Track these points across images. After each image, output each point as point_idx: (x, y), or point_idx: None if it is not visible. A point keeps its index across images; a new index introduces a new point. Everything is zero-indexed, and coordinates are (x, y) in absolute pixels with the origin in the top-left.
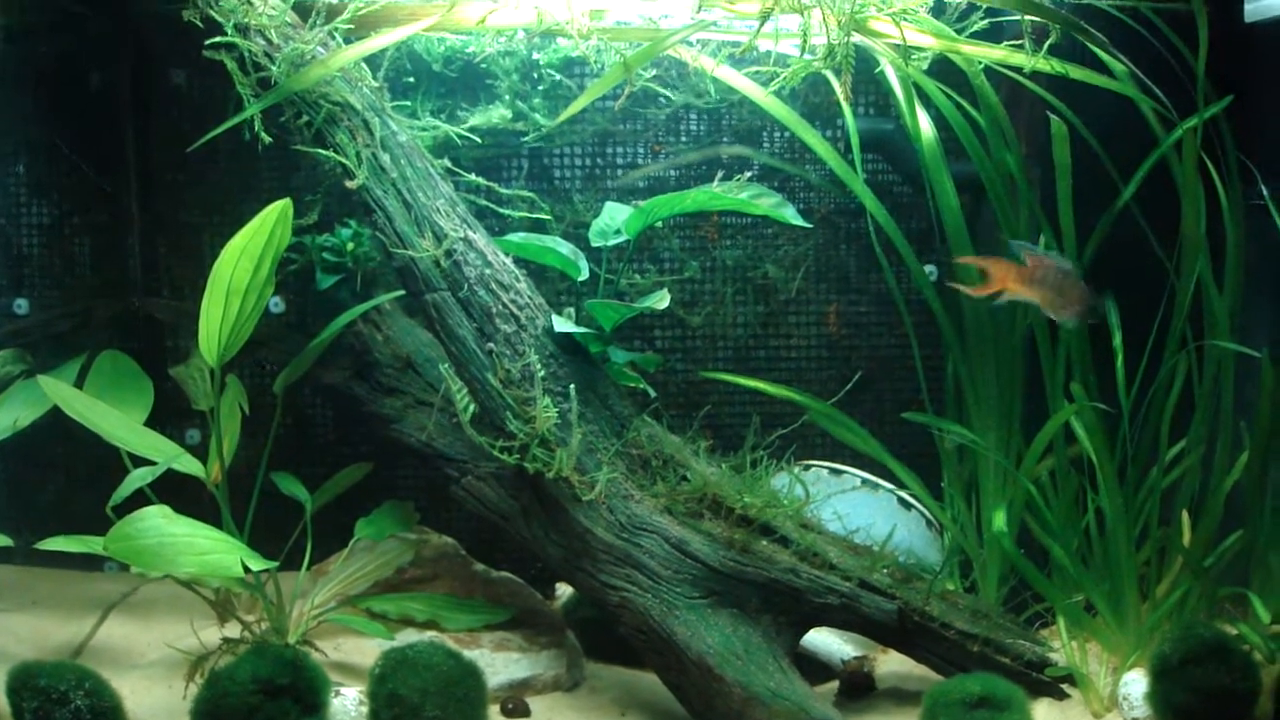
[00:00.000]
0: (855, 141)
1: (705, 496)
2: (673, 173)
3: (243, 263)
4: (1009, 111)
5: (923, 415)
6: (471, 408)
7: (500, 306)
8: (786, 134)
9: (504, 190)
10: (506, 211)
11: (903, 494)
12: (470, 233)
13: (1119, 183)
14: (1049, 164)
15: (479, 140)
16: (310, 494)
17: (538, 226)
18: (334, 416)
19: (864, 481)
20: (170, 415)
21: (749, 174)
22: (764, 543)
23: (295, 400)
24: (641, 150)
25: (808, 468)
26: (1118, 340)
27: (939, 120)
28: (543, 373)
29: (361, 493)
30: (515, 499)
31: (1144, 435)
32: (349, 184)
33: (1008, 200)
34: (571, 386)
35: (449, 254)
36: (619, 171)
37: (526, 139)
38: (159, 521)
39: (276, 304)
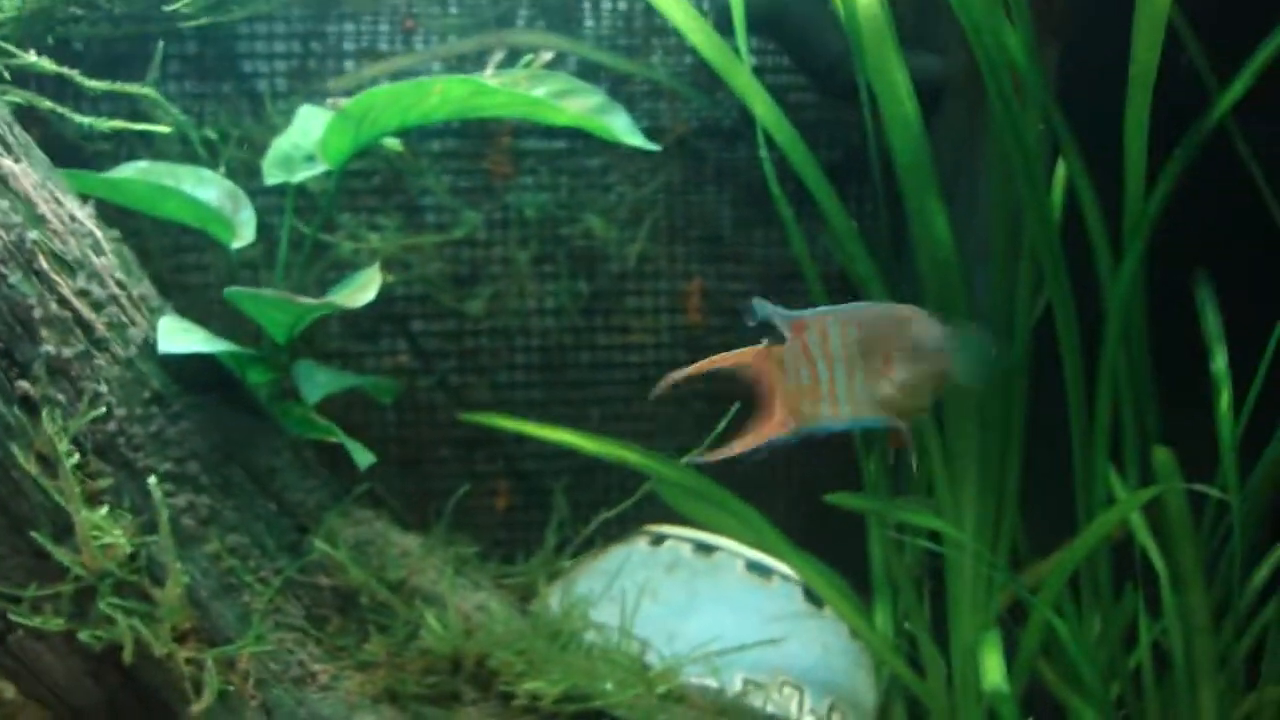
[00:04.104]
0: (738, 8)
1: (462, 661)
2: (435, 67)
3: None
4: None
5: (854, 497)
6: None
7: (54, 306)
8: (621, 6)
9: (92, 83)
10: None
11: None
12: (4, 160)
13: (1207, 79)
14: (1068, 39)
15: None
16: None
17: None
18: None
19: (749, 565)
20: None
21: (549, 55)
22: None
23: None
24: (385, 30)
25: (659, 539)
26: (1221, 362)
27: None
28: (136, 438)
29: None
30: (96, 679)
31: (1255, 514)
32: None
33: (1010, 103)
34: (193, 463)
35: None
36: (345, 65)
37: (179, 3)
38: None
39: None
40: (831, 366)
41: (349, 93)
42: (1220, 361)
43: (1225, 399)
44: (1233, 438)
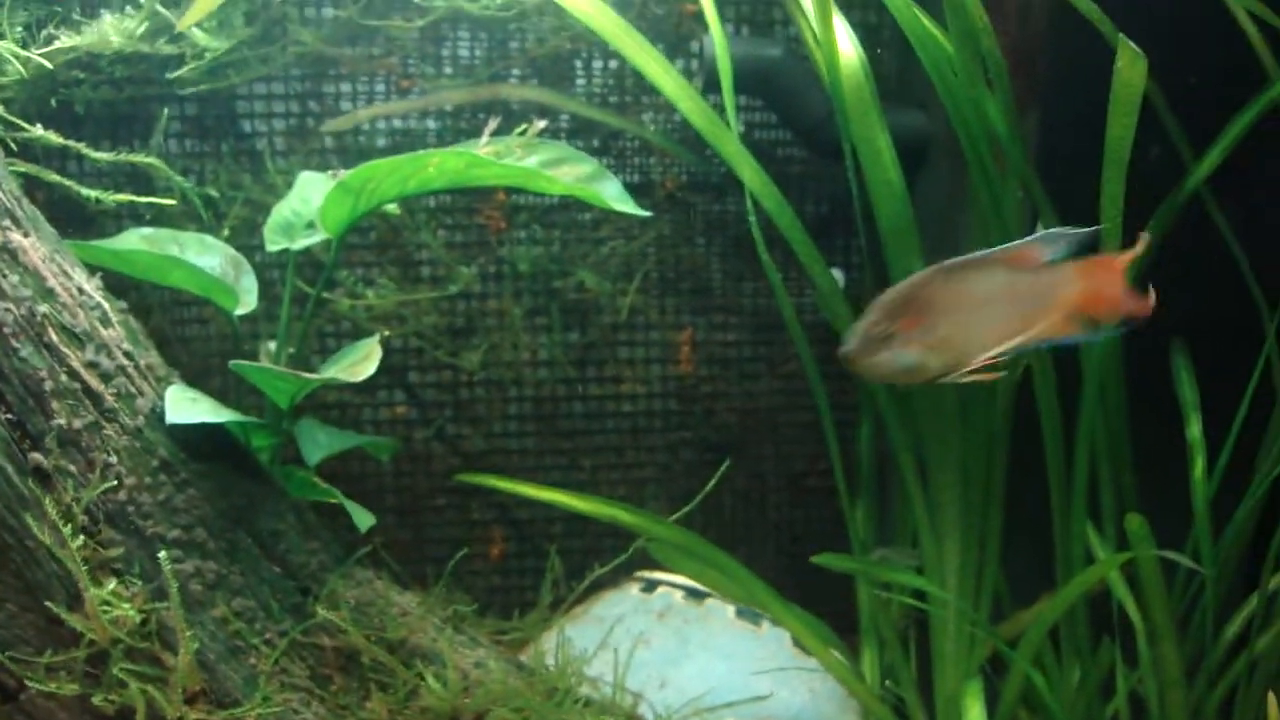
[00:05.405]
0: (727, 76)
1: (461, 719)
2: (431, 124)
3: None
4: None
5: (842, 558)
6: None
7: (64, 379)
8: (612, 64)
9: (97, 154)
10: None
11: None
12: (14, 234)
13: (1184, 152)
14: (1048, 110)
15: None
16: None
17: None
18: None
19: (739, 612)
20: None
21: (542, 125)
22: None
23: None
24: (382, 90)
25: (651, 586)
26: (1195, 429)
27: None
28: (146, 506)
29: None
30: None
31: (1226, 572)
32: None
33: (989, 171)
34: (201, 530)
35: None
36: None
37: (179, 72)
38: None
39: None
40: None
41: (344, 153)
42: (1195, 429)
43: (1200, 465)
44: (1205, 501)
